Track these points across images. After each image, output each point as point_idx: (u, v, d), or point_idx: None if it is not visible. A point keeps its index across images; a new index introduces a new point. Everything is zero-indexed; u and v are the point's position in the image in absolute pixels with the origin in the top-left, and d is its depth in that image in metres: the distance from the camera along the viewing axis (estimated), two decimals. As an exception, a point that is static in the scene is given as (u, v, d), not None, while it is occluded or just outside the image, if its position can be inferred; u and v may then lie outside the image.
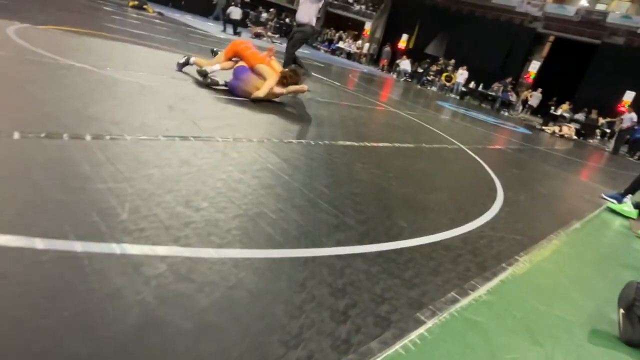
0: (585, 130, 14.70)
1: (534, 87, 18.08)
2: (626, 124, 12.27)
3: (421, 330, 1.47)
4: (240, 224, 1.79)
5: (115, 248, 1.39)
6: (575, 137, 13.53)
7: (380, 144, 4.24)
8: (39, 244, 1.33)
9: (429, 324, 1.52)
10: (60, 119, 2.32)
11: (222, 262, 1.50)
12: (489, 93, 17.57)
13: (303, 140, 3.47)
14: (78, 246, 1.36)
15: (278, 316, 1.31)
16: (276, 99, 4.65)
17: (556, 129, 13.62)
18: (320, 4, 6.26)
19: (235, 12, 14.17)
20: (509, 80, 17.38)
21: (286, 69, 4.64)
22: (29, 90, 2.66)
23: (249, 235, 1.73)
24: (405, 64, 19.36)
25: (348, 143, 3.85)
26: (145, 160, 2.12)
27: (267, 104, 4.45)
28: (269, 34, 16.99)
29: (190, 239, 1.57)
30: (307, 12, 6.08)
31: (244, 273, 1.47)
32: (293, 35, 6.30)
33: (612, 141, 13.29)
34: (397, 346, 1.36)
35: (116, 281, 1.25)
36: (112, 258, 1.35)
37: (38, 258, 1.27)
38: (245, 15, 20.62)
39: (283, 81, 4.49)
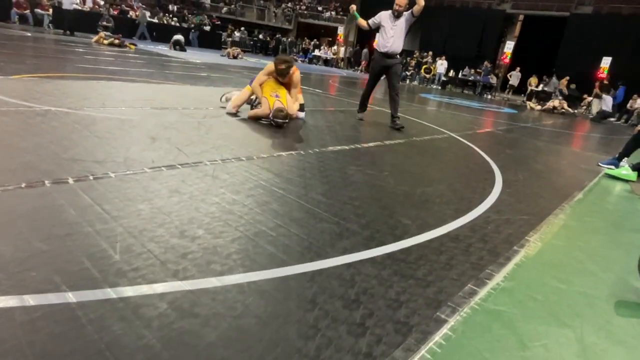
0: (568, 102, 14.85)
1: (511, 67, 18.26)
2: (605, 106, 12.52)
3: (444, 329, 1.39)
4: (240, 247, 1.72)
5: (110, 293, 1.31)
6: (569, 109, 13.55)
7: (371, 144, 4.19)
8: (30, 300, 1.24)
9: (451, 321, 1.44)
10: (41, 166, 2.24)
11: (226, 290, 1.42)
12: (469, 79, 17.74)
13: (293, 152, 3.40)
14: (71, 297, 1.27)
15: (292, 340, 1.23)
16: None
17: (551, 104, 13.71)
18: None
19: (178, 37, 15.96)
20: (487, 64, 17.54)
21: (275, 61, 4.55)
22: (6, 141, 2.58)
23: (250, 257, 1.65)
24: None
25: (338, 148, 3.80)
26: (133, 195, 2.04)
27: (252, 120, 4.40)
28: (242, 53, 17.13)
29: (189, 270, 1.49)
30: (401, 38, 5.22)
31: (251, 298, 1.39)
32: (393, 70, 5.35)
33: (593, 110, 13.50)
34: (423, 351, 1.28)
35: (115, 328, 1.17)
36: (108, 304, 1.26)
37: (30, 316, 1.18)
38: (217, 36, 20.98)
39: (279, 73, 4.47)
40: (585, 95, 15.03)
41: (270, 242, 1.80)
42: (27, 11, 15.41)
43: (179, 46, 15.58)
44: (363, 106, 5.78)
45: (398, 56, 5.34)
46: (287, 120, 4.32)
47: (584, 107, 14.88)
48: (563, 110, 13.42)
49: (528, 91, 16.50)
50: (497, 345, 1.38)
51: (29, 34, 12.14)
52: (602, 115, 12.55)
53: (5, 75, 4.90)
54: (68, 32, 13.92)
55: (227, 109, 4.62)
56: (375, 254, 1.84)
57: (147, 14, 18.36)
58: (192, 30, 19.94)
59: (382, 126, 5.56)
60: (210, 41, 20.46)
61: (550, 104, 13.71)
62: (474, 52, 19.61)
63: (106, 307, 1.25)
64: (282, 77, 4.54)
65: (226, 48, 17.54)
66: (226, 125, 4.04)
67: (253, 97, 4.70)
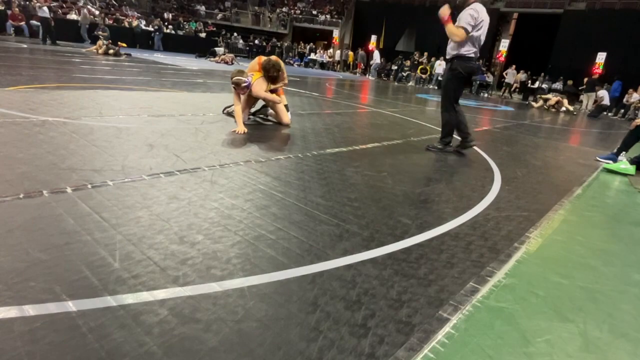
0: (568, 100, 14.87)
1: (507, 65, 18.33)
2: (605, 100, 12.62)
3: (447, 328, 1.39)
4: (239, 251, 1.71)
5: (110, 301, 1.30)
6: (569, 106, 13.39)
7: (369, 145, 4.19)
8: (30, 310, 1.24)
9: (454, 320, 1.44)
10: (38, 176, 2.24)
11: (227, 294, 1.42)
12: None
13: (291, 155, 3.40)
14: (71, 306, 1.27)
15: (294, 342, 1.22)
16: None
17: (547, 100, 13.63)
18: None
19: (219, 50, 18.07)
20: (480, 62, 17.65)
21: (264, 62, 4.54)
22: (3, 152, 2.58)
23: (250, 261, 1.65)
24: (375, 56, 19.61)
25: (336, 150, 3.80)
26: (132, 203, 2.04)
27: (248, 125, 4.40)
28: (235, 58, 17.18)
29: (189, 276, 1.49)
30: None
31: (252, 302, 1.39)
32: (445, 77, 4.26)
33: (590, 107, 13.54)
34: (426, 350, 1.28)
35: (116, 336, 1.16)
36: (108, 312, 1.26)
37: (29, 326, 1.18)
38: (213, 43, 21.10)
39: (273, 80, 4.60)
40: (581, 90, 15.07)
41: (270, 245, 1.79)
42: (23, 23, 15.45)
43: (211, 55, 17.52)
44: (447, 135, 4.36)
45: (454, 60, 4.08)
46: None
47: (581, 102, 14.91)
48: (565, 108, 13.26)
49: (512, 88, 16.91)
50: (500, 342, 1.37)
51: (25, 46, 12.17)
52: (600, 109, 12.58)
53: (1, 87, 4.90)
54: (49, 42, 13.83)
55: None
56: (376, 255, 1.84)
57: (89, 16, 17.49)
58: (157, 33, 19.35)
59: (379, 127, 5.56)
60: (177, 45, 19.87)
61: (554, 100, 13.63)
62: (469, 51, 19.70)
63: (106, 315, 1.24)
64: (275, 80, 4.60)
65: (216, 55, 17.47)
66: (224, 131, 4.04)
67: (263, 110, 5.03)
